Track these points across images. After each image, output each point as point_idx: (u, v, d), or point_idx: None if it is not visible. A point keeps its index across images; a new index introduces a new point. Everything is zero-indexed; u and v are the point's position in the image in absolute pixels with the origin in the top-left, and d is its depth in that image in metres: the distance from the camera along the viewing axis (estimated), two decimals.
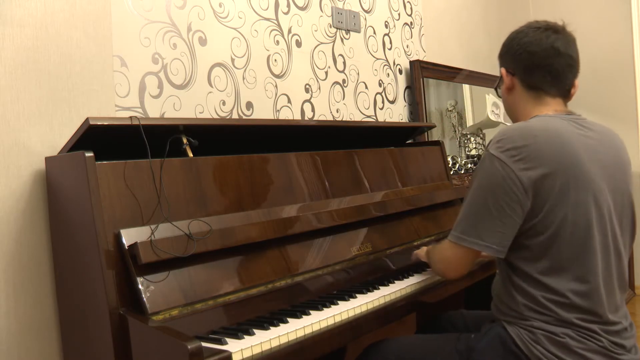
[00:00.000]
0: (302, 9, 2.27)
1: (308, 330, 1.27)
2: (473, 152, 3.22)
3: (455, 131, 3.12)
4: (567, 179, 1.24)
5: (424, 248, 1.74)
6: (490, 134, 3.30)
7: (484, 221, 1.28)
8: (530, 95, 1.40)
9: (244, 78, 2.01)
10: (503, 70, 1.44)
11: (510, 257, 1.30)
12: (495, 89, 1.56)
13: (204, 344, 1.06)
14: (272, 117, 2.11)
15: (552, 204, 1.24)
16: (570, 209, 1.24)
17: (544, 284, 1.25)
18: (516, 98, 1.43)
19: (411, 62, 2.85)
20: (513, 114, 1.46)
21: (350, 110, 2.48)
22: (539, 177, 1.23)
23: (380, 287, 1.58)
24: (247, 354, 1.13)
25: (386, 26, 2.73)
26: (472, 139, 3.23)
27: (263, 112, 2.07)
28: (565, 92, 1.40)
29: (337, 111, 2.41)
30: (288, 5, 2.20)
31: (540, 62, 1.36)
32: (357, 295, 1.51)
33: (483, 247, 1.28)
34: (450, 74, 3.06)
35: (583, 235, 1.25)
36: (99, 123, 1.26)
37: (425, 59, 2.94)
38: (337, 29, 2.43)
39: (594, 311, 1.24)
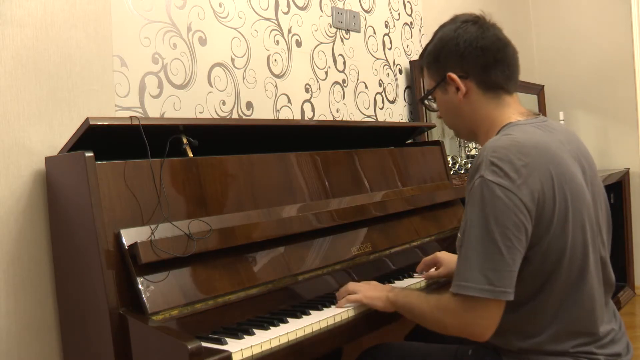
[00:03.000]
0: (302, 9, 2.27)
1: (308, 330, 1.27)
2: (473, 152, 3.22)
3: None
4: (565, 199, 1.14)
5: (383, 293, 1.36)
6: None
7: (492, 263, 1.08)
8: (490, 97, 1.25)
9: (244, 78, 2.01)
10: (453, 75, 1.25)
11: None
12: (423, 101, 1.38)
13: (204, 344, 1.06)
14: (272, 117, 2.11)
15: (552, 232, 1.13)
16: (570, 234, 1.14)
17: (542, 321, 1.17)
18: (474, 104, 1.26)
19: (411, 62, 2.85)
20: (469, 123, 1.30)
21: (350, 110, 2.48)
22: (540, 201, 1.11)
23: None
24: (247, 354, 1.13)
25: (386, 26, 2.73)
26: None
27: (263, 112, 2.07)
28: (517, 85, 1.29)
29: (337, 111, 2.41)
30: (288, 5, 2.20)
31: (495, 56, 1.23)
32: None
33: (497, 294, 1.09)
34: None
35: (581, 257, 1.16)
36: (99, 123, 1.26)
37: None
38: (337, 28, 2.43)
39: (588, 333, 1.19)
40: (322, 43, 2.35)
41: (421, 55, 1.36)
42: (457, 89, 1.27)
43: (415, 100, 2.82)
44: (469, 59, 1.24)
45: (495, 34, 1.27)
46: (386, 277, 1.68)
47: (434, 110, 1.39)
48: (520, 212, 1.09)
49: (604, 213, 1.27)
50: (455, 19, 1.30)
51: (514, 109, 1.27)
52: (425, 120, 2.82)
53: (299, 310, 1.36)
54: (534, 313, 1.18)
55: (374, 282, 1.45)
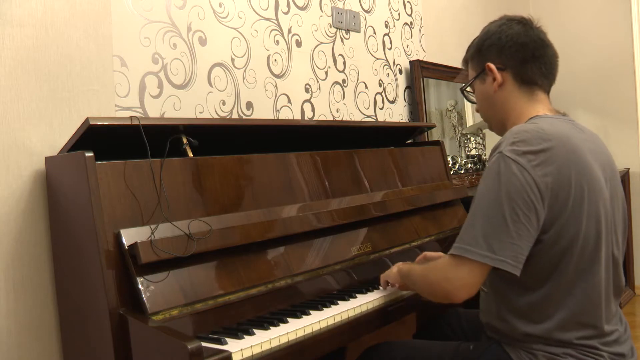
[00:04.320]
0: (302, 8, 2.27)
1: (308, 330, 1.27)
2: (473, 152, 3.22)
3: (455, 131, 3.12)
4: (581, 188, 1.17)
5: (396, 267, 1.49)
6: (490, 134, 3.30)
7: (496, 232, 1.13)
8: (523, 91, 1.32)
9: (244, 78, 2.01)
10: (491, 65, 1.33)
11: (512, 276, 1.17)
12: (463, 91, 1.46)
13: (204, 344, 1.06)
14: (272, 117, 2.11)
15: (567, 216, 1.16)
16: (584, 221, 1.17)
17: (550, 307, 1.19)
18: (507, 95, 1.33)
19: (411, 62, 2.85)
20: (501, 114, 1.36)
21: (350, 110, 2.48)
22: (555, 186, 1.15)
23: (380, 287, 1.58)
24: (247, 354, 1.13)
25: (386, 26, 2.73)
26: (472, 139, 3.23)
27: (263, 112, 2.07)
28: (551, 86, 1.36)
29: (337, 111, 2.41)
30: (288, 5, 2.20)
31: (533, 53, 1.31)
32: (357, 295, 1.51)
33: (496, 262, 1.12)
34: (450, 74, 3.06)
35: (592, 248, 1.19)
36: (99, 123, 1.26)
37: (425, 59, 2.94)
38: (337, 28, 2.43)
39: (593, 327, 1.20)
40: (322, 43, 2.35)
41: (468, 49, 1.44)
42: (494, 79, 1.33)
43: (415, 100, 2.82)
44: (509, 52, 1.32)
45: (538, 34, 1.34)
46: None
47: (472, 101, 1.45)
48: (532, 191, 1.13)
49: (620, 215, 1.30)
50: (502, 17, 1.39)
51: (544, 106, 1.33)
52: (425, 120, 2.82)
53: (299, 310, 1.36)
54: (542, 298, 1.20)
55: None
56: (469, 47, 1.43)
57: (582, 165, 1.19)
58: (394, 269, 1.50)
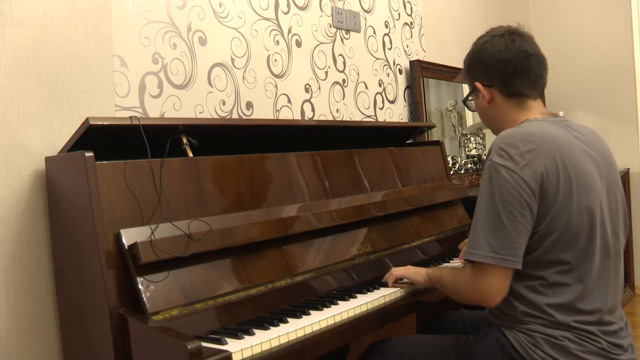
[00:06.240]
0: (302, 9, 2.27)
1: (308, 330, 1.27)
2: (473, 152, 3.22)
3: (455, 131, 3.12)
4: (570, 182, 1.24)
5: (424, 270, 1.53)
6: (490, 133, 3.30)
7: (496, 233, 1.22)
8: (512, 103, 1.39)
9: (244, 78, 2.01)
10: (479, 84, 1.42)
11: None
12: (465, 102, 1.56)
13: (204, 344, 1.06)
14: (272, 117, 2.11)
15: (558, 208, 1.22)
16: (575, 213, 1.23)
17: (546, 290, 1.25)
18: (499, 108, 1.41)
19: (411, 62, 2.85)
20: (497, 124, 1.44)
21: (350, 110, 2.48)
22: (544, 181, 1.22)
23: (380, 287, 1.58)
24: (247, 354, 1.13)
25: (386, 26, 2.73)
26: (472, 139, 3.23)
27: (263, 112, 2.07)
28: (542, 91, 1.42)
29: (337, 111, 2.41)
30: (288, 5, 2.20)
31: (515, 67, 1.36)
32: (357, 295, 1.51)
33: (499, 260, 1.21)
34: (450, 74, 3.06)
35: (586, 238, 1.25)
36: (99, 123, 1.26)
37: (425, 59, 2.94)
38: (337, 28, 2.43)
39: (592, 313, 1.24)
40: (322, 43, 2.35)
41: (463, 66, 1.52)
42: (484, 96, 1.42)
43: (415, 100, 2.82)
44: (492, 70, 1.39)
45: (521, 46, 1.38)
46: None
47: (474, 111, 1.54)
48: (523, 190, 1.21)
49: (620, 210, 1.35)
50: (487, 33, 1.45)
51: (536, 111, 1.39)
52: (425, 120, 2.82)
53: (299, 310, 1.36)
54: (539, 284, 1.25)
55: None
56: (463, 63, 1.50)
57: (568, 160, 1.25)
58: (422, 270, 1.52)
